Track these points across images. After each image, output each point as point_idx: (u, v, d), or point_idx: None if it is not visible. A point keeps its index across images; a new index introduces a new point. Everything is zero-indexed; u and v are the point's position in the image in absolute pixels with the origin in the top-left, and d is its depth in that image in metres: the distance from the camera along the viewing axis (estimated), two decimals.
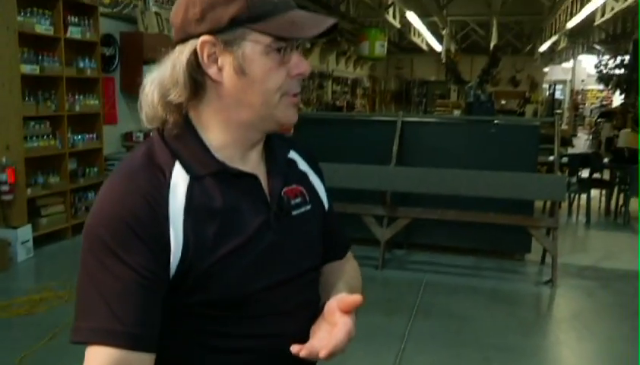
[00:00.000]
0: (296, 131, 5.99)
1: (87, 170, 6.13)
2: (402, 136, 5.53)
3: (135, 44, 6.62)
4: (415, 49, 19.66)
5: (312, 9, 10.88)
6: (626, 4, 10.19)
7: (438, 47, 17.85)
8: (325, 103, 15.56)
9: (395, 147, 5.41)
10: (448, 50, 17.08)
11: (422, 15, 13.40)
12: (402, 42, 19.08)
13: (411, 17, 13.03)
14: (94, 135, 6.15)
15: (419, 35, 17.05)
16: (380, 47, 13.58)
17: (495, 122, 6.02)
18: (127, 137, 6.92)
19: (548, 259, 5.05)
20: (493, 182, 4.91)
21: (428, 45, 18.34)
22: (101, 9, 6.20)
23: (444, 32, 16.25)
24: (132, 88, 6.77)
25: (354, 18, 13.44)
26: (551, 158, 5.92)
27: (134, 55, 6.60)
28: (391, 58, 21.32)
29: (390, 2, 12.35)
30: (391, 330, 3.88)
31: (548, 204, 6.32)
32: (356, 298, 0.92)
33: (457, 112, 13.32)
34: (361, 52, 14.13)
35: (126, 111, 6.92)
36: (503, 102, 18.27)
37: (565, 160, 7.50)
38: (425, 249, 5.61)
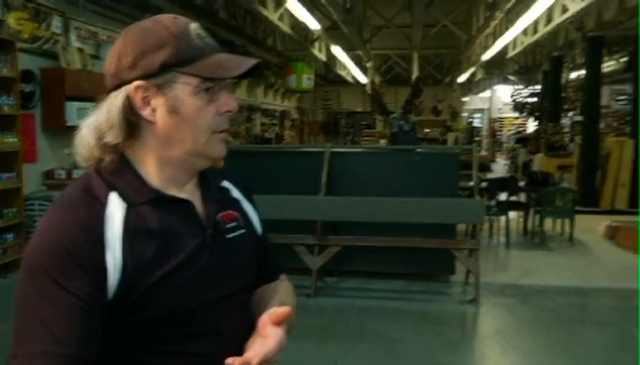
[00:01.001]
0: (225, 164, 6.04)
1: (6, 211, 5.88)
2: (331, 166, 5.68)
3: (57, 80, 6.48)
4: (341, 81, 20.16)
5: (240, 43, 11.03)
6: (534, 38, 10.95)
7: (363, 79, 18.41)
8: (254, 136, 15.63)
9: (324, 177, 5.55)
10: (372, 82, 17.65)
11: (347, 49, 13.84)
12: (329, 75, 19.54)
13: (336, 51, 13.43)
14: (13, 174, 5.92)
15: (345, 68, 17.53)
16: (307, 80, 13.85)
17: (418, 150, 6.30)
18: (48, 175, 6.69)
19: (472, 279, 5.30)
20: (417, 208, 5.13)
21: (353, 77, 18.87)
22: (20, 44, 6.04)
23: (368, 65, 16.80)
24: (54, 125, 6.59)
25: (281, 52, 13.70)
26: (471, 183, 6.25)
27: (56, 91, 6.44)
28: (318, 90, 21.77)
29: (316, 37, 12.69)
30: (324, 357, 3.95)
31: (471, 227, 6.63)
32: (285, 309, 1.00)
33: (383, 142, 13.74)
34: (288, 85, 14.35)
35: (47, 149, 6.71)
36: (427, 130, 19.00)
37: (485, 184, 7.90)
38: (356, 276, 5.74)
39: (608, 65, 11.94)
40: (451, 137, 16.74)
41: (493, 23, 11.51)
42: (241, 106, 14.45)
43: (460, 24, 14.30)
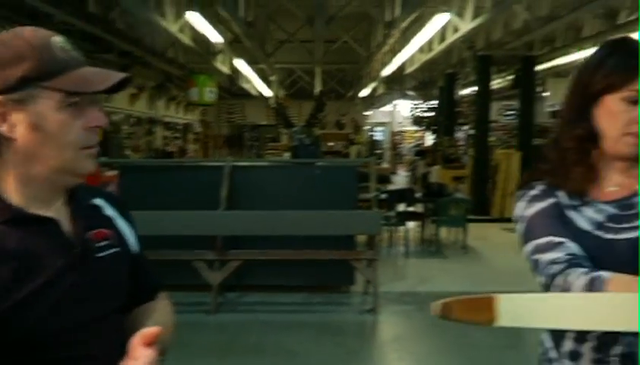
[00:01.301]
0: (123, 179, 5.82)
1: None
2: (233, 180, 5.64)
3: None
4: (246, 95, 20.09)
5: (139, 54, 10.72)
6: (430, 55, 11.49)
7: (267, 93, 18.46)
8: (155, 149, 15.19)
9: (224, 192, 5.50)
10: (276, 96, 17.74)
11: (250, 62, 13.84)
12: (233, 88, 19.42)
13: (240, 64, 13.40)
14: None
15: (249, 81, 17.51)
16: (209, 93, 13.68)
17: (319, 164, 6.40)
18: None
19: (371, 289, 5.42)
20: (317, 220, 5.21)
21: (258, 91, 18.88)
22: None
23: (272, 78, 16.88)
24: None
25: (183, 64, 13.45)
26: (369, 195, 6.42)
27: None
28: (222, 103, 21.53)
29: (218, 50, 12.57)
30: None
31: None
32: (155, 329, 0.96)
33: (287, 155, 13.80)
34: (190, 98, 14.12)
35: None
36: (331, 144, 19.31)
37: (384, 196, 8.15)
38: (258, 290, 5.71)
39: (497, 82, 12.76)
40: (353, 150, 17.15)
41: (391, 41, 11.95)
42: (141, 119, 14.01)
43: (360, 41, 14.73)
